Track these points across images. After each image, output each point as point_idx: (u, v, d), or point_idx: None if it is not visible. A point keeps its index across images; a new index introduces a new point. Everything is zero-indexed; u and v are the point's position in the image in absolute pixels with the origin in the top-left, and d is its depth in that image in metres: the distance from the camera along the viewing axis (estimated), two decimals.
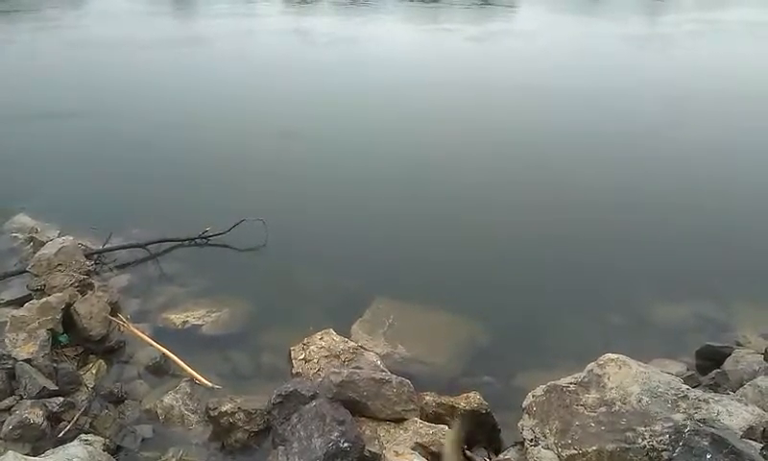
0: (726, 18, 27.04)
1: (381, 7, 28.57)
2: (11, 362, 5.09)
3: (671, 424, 3.93)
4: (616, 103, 13.57)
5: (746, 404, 4.21)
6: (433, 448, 4.45)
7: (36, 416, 4.64)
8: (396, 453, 4.27)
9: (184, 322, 6.24)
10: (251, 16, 25.52)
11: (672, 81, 15.91)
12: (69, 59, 17.33)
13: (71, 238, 6.82)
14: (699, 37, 22.27)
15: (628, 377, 4.32)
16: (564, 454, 4.03)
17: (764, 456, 3.71)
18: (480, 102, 13.80)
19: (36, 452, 4.42)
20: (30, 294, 6.24)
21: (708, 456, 3.58)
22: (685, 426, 3.83)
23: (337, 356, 5.50)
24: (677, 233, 8.16)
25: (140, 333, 5.92)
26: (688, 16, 26.72)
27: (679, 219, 8.55)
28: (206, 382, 5.38)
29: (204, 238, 7.76)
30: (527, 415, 4.41)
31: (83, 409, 4.90)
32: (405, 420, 4.69)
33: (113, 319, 5.95)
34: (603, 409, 4.18)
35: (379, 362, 5.49)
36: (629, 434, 3.96)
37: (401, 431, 4.60)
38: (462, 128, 12.04)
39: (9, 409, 4.76)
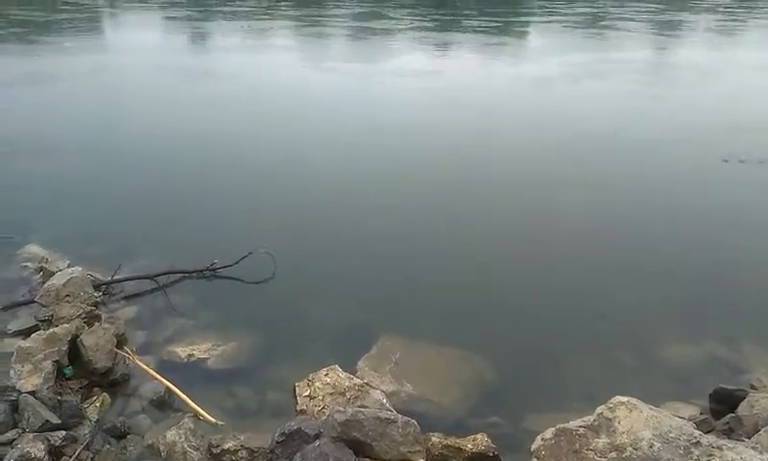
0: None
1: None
2: (14, 394, 5.08)
3: None
4: (632, 137, 13.55)
5: (761, 452, 4.10)
6: None
7: (37, 450, 4.60)
8: None
9: (190, 355, 6.21)
10: (265, 48, 26.01)
11: (678, 112, 15.92)
12: (77, 87, 17.64)
13: (80, 269, 6.87)
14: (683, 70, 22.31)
15: (639, 422, 4.23)
16: None
17: None
18: (488, 134, 13.86)
19: None
20: (37, 324, 6.26)
21: None
22: None
23: (342, 394, 5.43)
24: (689, 272, 8.07)
25: (145, 367, 5.89)
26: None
27: (691, 257, 8.45)
28: (210, 418, 5.33)
29: (212, 270, 7.77)
30: (536, 459, 4.31)
31: (85, 444, 4.85)
32: None
33: (119, 351, 5.94)
34: (613, 454, 4.09)
35: (385, 400, 5.42)
36: None
37: None
38: (468, 162, 12.05)
39: (10, 442, 4.72)
